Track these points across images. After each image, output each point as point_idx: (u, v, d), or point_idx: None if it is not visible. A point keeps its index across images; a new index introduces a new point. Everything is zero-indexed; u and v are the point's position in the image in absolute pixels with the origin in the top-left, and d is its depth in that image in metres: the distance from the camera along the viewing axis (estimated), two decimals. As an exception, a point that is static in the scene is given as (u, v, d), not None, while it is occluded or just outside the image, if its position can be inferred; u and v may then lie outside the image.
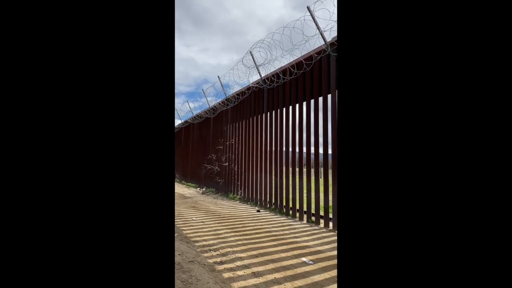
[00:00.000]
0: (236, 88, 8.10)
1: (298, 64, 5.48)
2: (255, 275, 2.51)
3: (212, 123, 9.96)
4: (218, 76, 8.37)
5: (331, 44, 4.64)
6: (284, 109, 6.00)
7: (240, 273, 2.55)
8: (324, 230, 4.39)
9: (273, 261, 2.88)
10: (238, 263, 2.81)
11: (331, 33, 4.51)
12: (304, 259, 2.97)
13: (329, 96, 4.75)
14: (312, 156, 5.11)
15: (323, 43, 4.68)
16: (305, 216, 5.21)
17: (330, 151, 4.68)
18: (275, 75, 6.17)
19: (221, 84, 8.41)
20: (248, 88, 7.39)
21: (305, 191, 5.30)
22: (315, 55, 4.99)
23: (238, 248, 3.29)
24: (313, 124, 5.12)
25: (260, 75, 6.59)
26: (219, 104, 9.16)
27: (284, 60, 5.70)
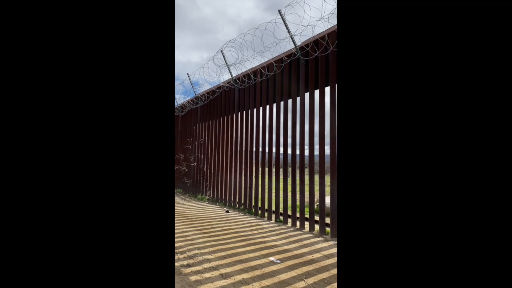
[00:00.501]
0: (206, 87, 7.98)
1: (269, 66, 5.56)
2: (223, 276, 2.49)
3: (180, 121, 9.67)
4: (188, 74, 8.16)
5: (301, 48, 4.78)
6: (255, 109, 6.04)
7: (207, 275, 2.51)
8: (292, 229, 4.51)
9: (241, 261, 2.88)
10: (206, 265, 2.76)
11: (301, 38, 4.65)
12: (272, 258, 3.02)
13: (298, 98, 4.89)
14: (281, 157, 5.21)
15: (293, 46, 4.80)
16: (273, 215, 5.29)
17: (298, 152, 4.82)
18: (246, 75, 6.18)
19: (191, 82, 8.20)
20: (219, 87, 7.30)
21: (273, 191, 5.39)
22: (285, 58, 5.10)
23: (206, 250, 3.23)
24: (282, 125, 5.22)
25: (231, 75, 6.56)
26: (188, 102, 8.92)
27: (255, 61, 5.75)
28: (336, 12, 3.87)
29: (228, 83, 6.88)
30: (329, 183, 4.22)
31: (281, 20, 4.63)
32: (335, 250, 3.42)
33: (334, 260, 3.04)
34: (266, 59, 5.49)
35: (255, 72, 5.99)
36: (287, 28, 4.66)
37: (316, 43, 4.52)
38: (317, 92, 4.57)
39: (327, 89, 4.38)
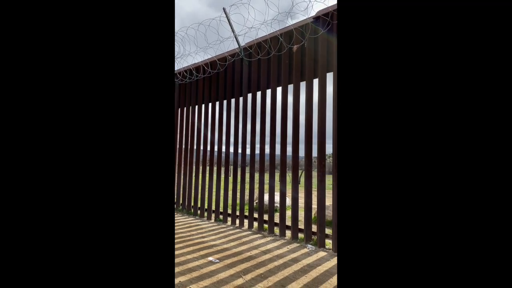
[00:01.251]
0: (144, 79, 7.36)
1: (212, 63, 5.47)
2: (158, 282, 2.36)
3: (111, 115, 8.71)
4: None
5: (245, 49, 4.85)
6: (197, 106, 5.87)
7: (140, 282, 2.34)
8: (231, 227, 4.55)
9: (178, 264, 2.78)
10: (139, 271, 2.57)
11: (245, 39, 4.71)
12: (210, 258, 2.99)
13: (241, 98, 4.96)
14: (223, 155, 5.20)
15: (237, 46, 4.84)
16: (213, 215, 5.25)
17: (240, 150, 4.89)
18: (188, 70, 5.96)
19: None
20: (158, 81, 6.84)
21: (214, 190, 5.34)
22: (229, 57, 5.10)
23: (139, 255, 3.01)
24: (225, 124, 5.22)
25: (172, 69, 6.22)
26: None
27: (198, 57, 5.58)
28: (278, 19, 4.06)
29: (168, 77, 6.50)
30: (267, 181, 4.40)
31: (226, 18, 4.61)
32: (272, 245, 3.59)
33: (271, 255, 3.19)
34: (209, 56, 5.39)
35: (197, 68, 5.82)
36: (231, 27, 4.67)
37: (259, 45, 4.65)
38: (259, 94, 4.71)
39: (269, 92, 4.56)
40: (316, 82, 3.93)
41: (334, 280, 2.55)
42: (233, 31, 4.68)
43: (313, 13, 4.04)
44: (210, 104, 5.58)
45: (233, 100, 5.16)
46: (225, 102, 5.31)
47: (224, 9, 4.59)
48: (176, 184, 6.15)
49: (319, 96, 3.79)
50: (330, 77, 3.81)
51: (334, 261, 3.05)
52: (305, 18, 4.04)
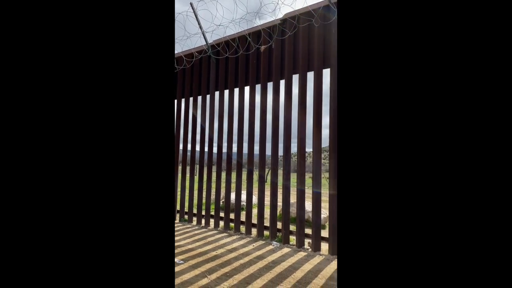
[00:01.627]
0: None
1: (178, 59, 5.30)
2: (117, 287, 2.24)
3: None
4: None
5: (212, 46, 4.79)
6: (161, 103, 5.64)
7: None
8: (197, 227, 4.47)
9: (139, 267, 2.66)
10: (95, 278, 2.41)
11: (213, 36, 4.66)
12: (175, 259, 2.92)
13: (208, 96, 4.88)
14: (188, 153, 5.08)
15: (205, 43, 4.76)
16: (177, 215, 5.11)
17: (206, 149, 4.82)
18: (152, 65, 5.70)
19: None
20: (118, 74, 6.44)
21: (179, 189, 5.20)
22: (196, 53, 4.99)
23: (96, 260, 2.82)
24: (191, 121, 5.10)
25: (134, 62, 5.90)
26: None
27: (163, 52, 5.34)
28: (247, 18, 4.08)
29: (130, 70, 6.15)
30: (234, 179, 4.41)
31: (193, 14, 4.50)
32: (238, 243, 3.61)
33: (237, 253, 3.21)
34: (176, 51, 5.22)
35: (162, 63, 5.59)
36: (199, 23, 4.57)
37: (227, 44, 4.63)
38: (227, 92, 4.68)
39: (236, 90, 4.56)
40: (282, 83, 4.03)
41: (297, 274, 2.66)
42: (200, 27, 4.59)
43: (280, 15, 4.13)
44: (175, 101, 5.41)
45: (199, 98, 5.06)
46: (191, 99, 5.19)
47: (191, 4, 4.48)
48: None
49: (285, 97, 3.90)
50: (295, 78, 3.94)
51: (297, 257, 3.18)
52: (273, 19, 4.11)
